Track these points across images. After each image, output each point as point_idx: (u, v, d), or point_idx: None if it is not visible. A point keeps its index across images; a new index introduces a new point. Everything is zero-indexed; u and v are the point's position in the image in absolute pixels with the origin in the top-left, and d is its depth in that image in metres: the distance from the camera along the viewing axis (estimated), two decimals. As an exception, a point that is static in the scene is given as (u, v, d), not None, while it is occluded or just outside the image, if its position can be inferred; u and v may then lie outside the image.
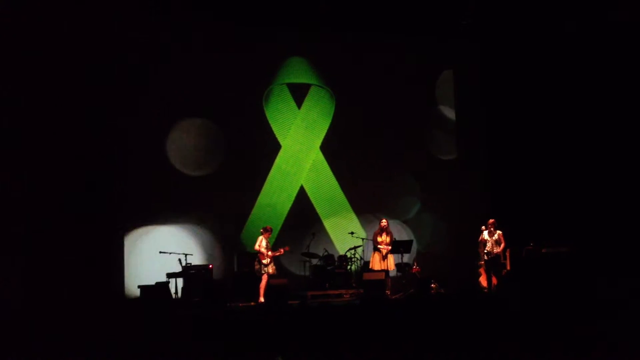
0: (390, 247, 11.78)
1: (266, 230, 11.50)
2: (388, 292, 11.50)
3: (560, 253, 11.34)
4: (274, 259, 11.42)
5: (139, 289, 10.28)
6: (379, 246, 11.83)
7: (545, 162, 13.19)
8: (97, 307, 9.50)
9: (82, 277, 10.65)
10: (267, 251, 11.31)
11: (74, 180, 11.09)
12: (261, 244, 11.31)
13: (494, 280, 11.62)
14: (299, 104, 13.61)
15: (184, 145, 12.62)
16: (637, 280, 9.32)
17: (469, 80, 14.48)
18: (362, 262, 12.76)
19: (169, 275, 10.97)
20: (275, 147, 13.35)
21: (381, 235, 11.88)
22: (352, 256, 12.81)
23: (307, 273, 12.68)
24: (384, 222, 12.00)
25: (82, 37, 11.20)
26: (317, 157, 13.63)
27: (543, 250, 11.47)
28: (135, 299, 10.85)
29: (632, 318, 7.25)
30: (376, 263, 11.81)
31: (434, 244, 13.81)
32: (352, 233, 12.92)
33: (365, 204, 13.63)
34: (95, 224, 11.24)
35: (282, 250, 11.58)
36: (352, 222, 13.54)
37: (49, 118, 10.95)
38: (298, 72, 13.64)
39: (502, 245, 11.66)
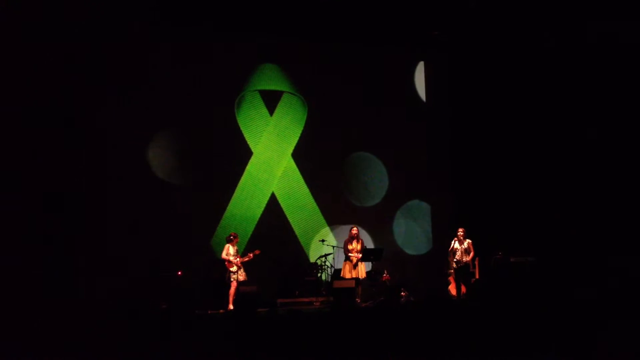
0: (360, 255, 11.77)
1: (233, 237, 11.41)
2: (358, 299, 11.49)
3: (528, 262, 11.51)
4: (245, 265, 11.35)
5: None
6: (349, 254, 11.81)
7: (515, 174, 13.34)
8: (65, 312, 9.32)
9: (48, 282, 10.49)
10: (236, 258, 11.24)
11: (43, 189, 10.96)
12: (228, 251, 11.23)
13: (463, 289, 11.70)
14: (271, 111, 13.59)
15: (155, 151, 12.49)
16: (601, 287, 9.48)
17: (439, 95, 14.65)
18: (333, 269, 12.75)
19: (137, 282, 10.85)
20: (247, 153, 13.29)
21: (351, 243, 11.87)
22: (323, 264, 12.80)
23: (277, 280, 12.61)
24: (354, 229, 11.99)
25: (51, 45, 11.11)
26: (288, 164, 13.61)
27: (511, 260, 11.62)
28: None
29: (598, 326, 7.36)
30: (347, 272, 11.78)
31: (403, 252, 13.89)
32: (322, 241, 12.93)
33: (337, 212, 13.63)
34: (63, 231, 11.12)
35: (251, 254, 11.49)
36: (323, 230, 13.53)
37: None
38: (270, 79, 13.63)
39: (472, 254, 11.75)
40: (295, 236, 13.39)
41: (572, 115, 12.31)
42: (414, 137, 14.45)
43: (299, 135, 13.71)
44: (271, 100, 13.60)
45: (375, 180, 14.07)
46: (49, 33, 11.13)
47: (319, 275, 12.65)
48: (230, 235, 11.48)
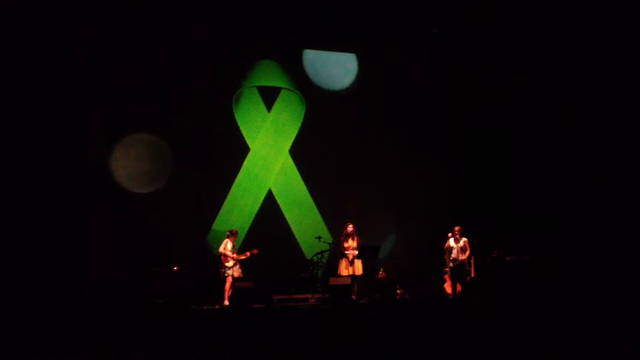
0: (357, 252, 11.79)
1: (232, 234, 11.46)
2: (354, 297, 11.51)
3: (524, 261, 11.54)
4: (241, 261, 11.37)
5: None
6: (346, 252, 11.83)
7: (512, 172, 13.37)
8: (60, 308, 9.34)
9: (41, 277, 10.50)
10: (233, 254, 11.26)
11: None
12: (226, 246, 11.27)
13: (459, 287, 11.73)
14: (269, 107, 13.57)
15: (152, 146, 12.47)
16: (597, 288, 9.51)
17: (438, 92, 14.59)
18: (329, 266, 12.75)
19: (133, 277, 10.84)
20: (244, 149, 13.28)
21: (347, 241, 11.89)
22: (319, 260, 12.81)
23: (273, 277, 12.62)
24: (350, 227, 12.00)
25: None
26: (286, 160, 13.60)
27: (507, 259, 11.64)
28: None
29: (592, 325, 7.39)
30: (343, 269, 11.81)
31: (399, 251, 13.87)
32: (319, 238, 12.90)
33: (333, 209, 13.62)
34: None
35: (248, 253, 11.53)
36: (319, 227, 13.52)
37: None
38: (269, 75, 13.60)
39: (467, 252, 11.79)
40: (291, 233, 13.39)
41: (570, 112, 12.33)
42: (412, 134, 14.42)
43: (296, 131, 13.70)
44: (269, 97, 13.58)
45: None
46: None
47: (315, 272, 12.67)
48: (232, 231, 11.53)
